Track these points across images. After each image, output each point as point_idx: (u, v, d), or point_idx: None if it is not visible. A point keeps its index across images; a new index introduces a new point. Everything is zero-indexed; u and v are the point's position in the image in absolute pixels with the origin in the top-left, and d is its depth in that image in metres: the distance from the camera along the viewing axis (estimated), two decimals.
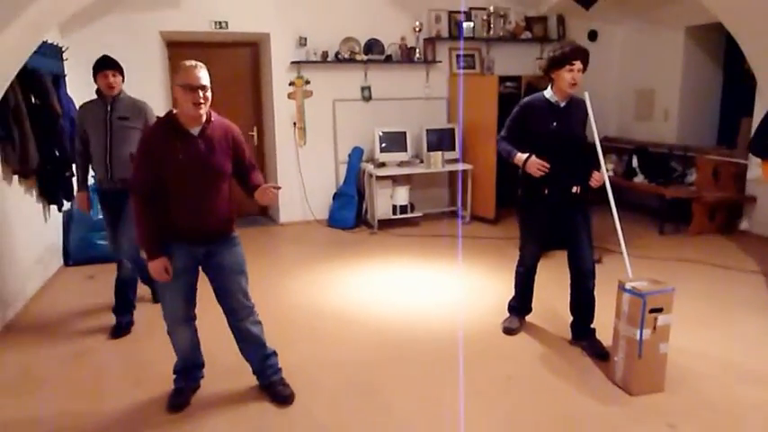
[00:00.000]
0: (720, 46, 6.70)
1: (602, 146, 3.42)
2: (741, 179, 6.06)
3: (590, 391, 3.00)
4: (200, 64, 2.58)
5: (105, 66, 3.54)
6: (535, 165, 3.25)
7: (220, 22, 6.10)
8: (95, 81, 3.57)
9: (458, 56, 6.89)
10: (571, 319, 3.52)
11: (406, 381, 3.14)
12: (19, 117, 4.05)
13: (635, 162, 6.70)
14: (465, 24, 6.75)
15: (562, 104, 3.31)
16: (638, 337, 2.84)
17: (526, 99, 3.46)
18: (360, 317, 4.01)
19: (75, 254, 5.16)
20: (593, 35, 7.44)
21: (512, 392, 3.01)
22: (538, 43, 7.12)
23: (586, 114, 3.35)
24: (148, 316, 3.85)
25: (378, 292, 4.51)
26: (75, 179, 3.95)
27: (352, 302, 4.28)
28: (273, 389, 2.91)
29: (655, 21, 7.02)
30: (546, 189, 3.35)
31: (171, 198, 2.61)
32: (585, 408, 2.86)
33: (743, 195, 6.02)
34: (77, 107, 3.92)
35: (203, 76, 2.55)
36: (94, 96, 3.64)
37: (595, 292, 3.40)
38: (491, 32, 6.87)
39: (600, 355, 3.28)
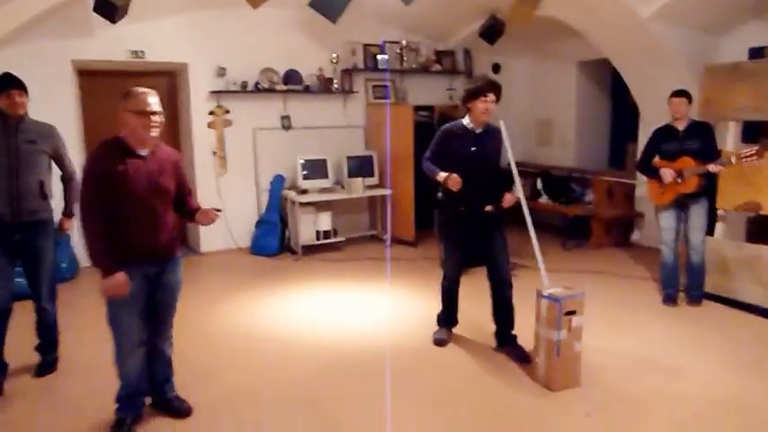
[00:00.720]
0: (608, 79, 7.47)
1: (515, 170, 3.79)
2: (631, 197, 6.74)
3: (516, 389, 3.29)
4: (150, 90, 2.70)
5: (10, 85, 3.24)
6: (454, 180, 3.54)
7: (137, 51, 6.05)
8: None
9: (374, 86, 7.23)
10: (494, 327, 3.81)
11: (345, 394, 3.28)
12: None
13: (539, 184, 7.26)
14: (379, 57, 7.10)
15: (478, 131, 3.66)
16: (555, 338, 3.16)
17: (447, 125, 3.79)
18: (293, 338, 4.11)
19: None
20: (496, 68, 8.03)
21: (446, 396, 3.23)
22: (447, 75, 7.59)
23: (500, 141, 3.71)
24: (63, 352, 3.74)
25: (308, 314, 4.61)
26: None
27: (284, 326, 4.36)
28: (171, 404, 3.04)
29: (550, 56, 7.72)
30: (462, 207, 3.66)
31: (123, 219, 2.65)
32: (513, 404, 3.14)
33: (633, 212, 6.70)
34: None
35: (155, 101, 2.68)
36: None
37: (515, 303, 3.72)
38: (404, 64, 7.27)
39: (523, 358, 3.58)
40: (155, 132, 2.67)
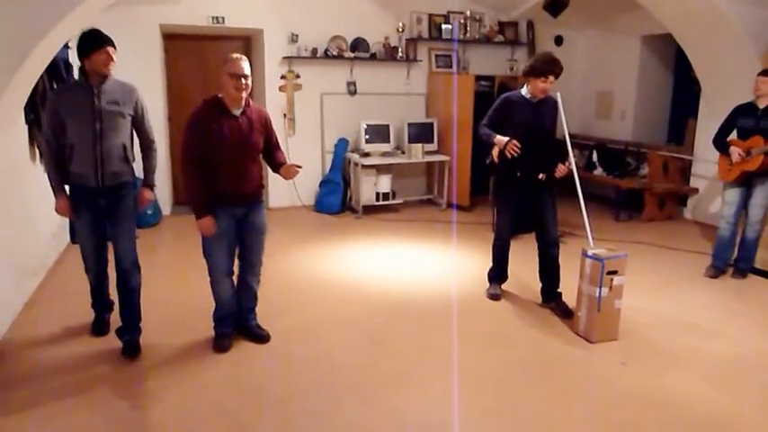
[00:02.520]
0: (671, 54, 7.44)
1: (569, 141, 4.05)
2: (686, 173, 6.81)
3: (558, 339, 3.62)
4: (243, 56, 3.11)
5: (104, 41, 3.07)
6: (512, 144, 3.81)
7: (217, 18, 6.50)
8: (86, 60, 3.08)
9: (437, 55, 7.48)
10: (540, 285, 4.13)
11: (407, 333, 3.70)
12: (45, 101, 4.39)
13: (595, 157, 7.39)
14: (444, 27, 7.32)
15: (535, 101, 3.91)
16: (597, 294, 3.45)
17: (506, 94, 4.06)
18: (358, 284, 4.55)
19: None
20: (558, 40, 8.10)
21: (494, 342, 3.60)
22: (509, 46, 7.74)
23: (555, 111, 3.96)
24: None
25: (369, 265, 5.04)
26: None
27: (348, 274, 4.81)
28: (253, 331, 3.52)
29: (614, 29, 7.74)
30: (518, 172, 3.94)
31: (215, 167, 3.12)
32: (555, 352, 3.47)
33: (688, 187, 6.78)
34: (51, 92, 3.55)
35: (246, 66, 3.09)
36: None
37: (561, 265, 4.02)
38: (467, 35, 7.46)
39: (566, 313, 3.90)
40: (243, 94, 3.10)
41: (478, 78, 7.23)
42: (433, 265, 5.08)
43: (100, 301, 3.60)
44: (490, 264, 4.34)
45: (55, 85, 4.70)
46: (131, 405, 2.83)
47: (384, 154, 6.97)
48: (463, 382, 3.09)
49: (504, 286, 4.38)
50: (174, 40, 6.81)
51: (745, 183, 4.65)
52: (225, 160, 3.12)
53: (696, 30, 5.95)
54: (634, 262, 4.41)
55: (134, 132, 3.34)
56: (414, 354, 3.43)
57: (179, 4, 6.29)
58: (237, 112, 3.14)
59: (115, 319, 3.51)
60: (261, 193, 3.37)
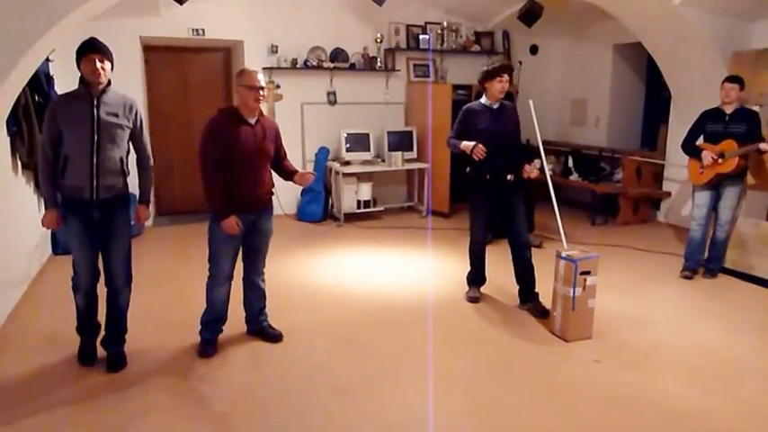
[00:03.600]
0: (642, 62, 7.67)
1: (544, 148, 4.24)
2: (659, 177, 7.01)
3: (534, 338, 3.74)
4: (257, 70, 3.29)
5: (91, 49, 3.00)
6: (478, 148, 3.98)
7: (197, 30, 6.57)
8: (80, 68, 3.03)
9: (415, 65, 7.62)
10: (518, 287, 4.25)
11: (387, 336, 3.78)
12: (28, 113, 4.43)
13: (570, 162, 7.57)
14: (422, 37, 7.47)
15: (495, 107, 4.13)
16: (571, 294, 3.58)
17: (467, 105, 4.29)
18: (340, 290, 4.63)
19: (64, 243, 5.51)
20: (534, 49, 8.30)
21: (471, 342, 3.70)
22: (486, 55, 7.89)
23: (516, 116, 4.24)
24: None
25: (352, 271, 5.13)
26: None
27: (331, 279, 4.88)
28: (266, 331, 3.68)
29: (587, 38, 7.95)
30: (487, 175, 4.11)
31: (231, 172, 3.25)
32: (531, 350, 3.58)
33: (660, 191, 6.97)
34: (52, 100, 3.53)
35: (261, 79, 3.25)
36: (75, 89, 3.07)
37: (538, 269, 4.16)
38: (444, 45, 7.62)
39: (542, 313, 4.04)
40: (261, 104, 3.28)
41: (456, 87, 7.39)
42: (412, 270, 5.18)
43: (88, 325, 3.35)
44: (468, 268, 4.45)
45: (37, 98, 4.76)
46: (116, 415, 2.87)
47: (364, 162, 7.07)
48: (441, 381, 3.18)
49: (482, 289, 4.49)
50: (155, 52, 6.86)
51: (715, 186, 4.82)
52: (241, 166, 3.27)
53: (665, 38, 6.16)
54: (609, 264, 4.59)
55: (130, 146, 3.26)
56: (393, 356, 3.51)
57: (159, 16, 6.34)
58: (252, 121, 3.30)
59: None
60: (271, 200, 3.51)
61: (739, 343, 3.72)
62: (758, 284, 4.80)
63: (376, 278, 4.94)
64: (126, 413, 2.86)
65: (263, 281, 3.66)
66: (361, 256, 5.62)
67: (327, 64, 7.07)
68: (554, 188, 4.28)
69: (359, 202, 7.00)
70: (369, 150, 7.11)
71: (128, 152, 3.24)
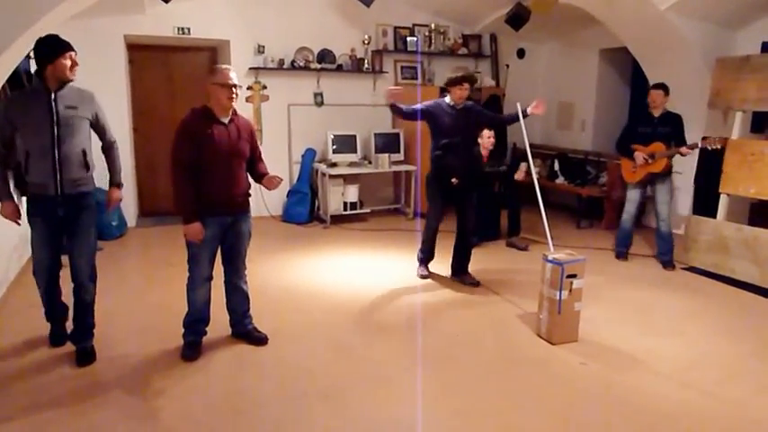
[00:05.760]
0: (628, 67, 7.73)
1: (530, 151, 4.46)
2: None
3: (520, 341, 3.74)
4: (230, 67, 3.22)
5: (68, 46, 3.04)
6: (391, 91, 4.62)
7: (183, 29, 6.50)
8: (49, 66, 3.00)
9: (402, 67, 7.61)
10: (452, 264, 4.87)
11: (374, 338, 3.76)
12: None
13: (556, 166, 7.61)
14: (409, 39, 7.46)
15: (459, 107, 4.60)
16: (557, 297, 3.58)
17: (435, 100, 4.75)
18: (326, 292, 4.59)
19: None
20: (521, 53, 8.33)
21: (459, 345, 3.68)
22: (473, 58, 7.92)
23: (476, 117, 4.73)
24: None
25: (338, 273, 5.09)
26: None
27: (317, 282, 4.85)
28: (251, 334, 3.64)
29: (574, 43, 8.00)
30: (449, 171, 4.62)
31: (206, 173, 3.18)
32: (517, 353, 3.58)
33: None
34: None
35: (234, 76, 3.19)
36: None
37: (525, 272, 4.20)
38: (432, 47, 7.62)
39: (474, 284, 4.67)
40: (234, 103, 3.21)
41: (443, 90, 7.35)
42: (399, 272, 5.15)
43: (53, 311, 3.49)
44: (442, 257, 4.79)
45: None
46: (96, 417, 2.81)
47: (351, 164, 7.04)
48: (429, 384, 3.16)
49: (469, 292, 4.51)
50: (140, 51, 6.77)
51: (645, 184, 5.35)
52: (215, 166, 3.20)
53: (649, 44, 6.22)
54: (594, 267, 4.61)
55: (92, 138, 3.29)
56: (381, 359, 3.48)
57: (144, 14, 6.27)
58: (226, 120, 3.23)
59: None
60: (248, 202, 3.45)
61: (724, 345, 3.75)
62: (739, 287, 4.85)
63: (362, 280, 4.91)
64: (99, 422, 2.80)
65: (246, 283, 3.60)
66: (348, 258, 5.58)
67: (314, 65, 7.03)
68: (540, 191, 4.30)
69: (345, 203, 6.96)
70: (356, 152, 7.08)
71: (91, 144, 3.26)
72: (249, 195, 3.44)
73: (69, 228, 3.19)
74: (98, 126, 3.29)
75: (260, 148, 3.50)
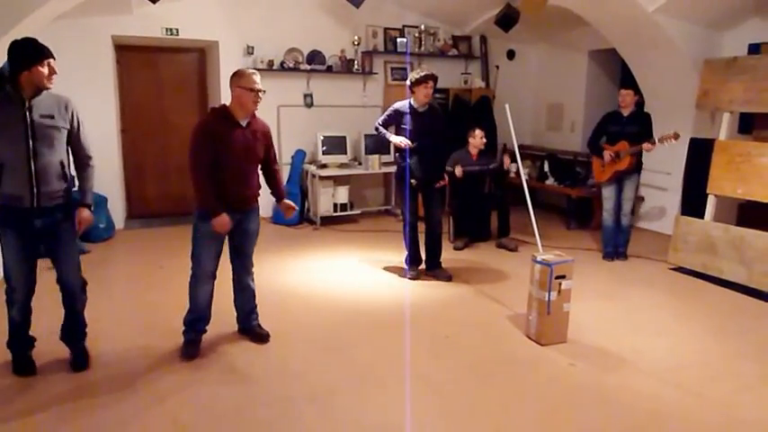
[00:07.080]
0: (617, 68, 7.76)
1: (520, 152, 4.40)
2: None
3: (509, 342, 3.73)
4: (256, 71, 3.27)
5: (48, 53, 2.85)
6: (405, 144, 4.66)
7: (171, 29, 6.46)
8: (24, 73, 2.81)
9: (392, 68, 7.60)
10: (425, 257, 4.96)
11: (363, 340, 3.75)
12: None
13: (546, 167, 7.62)
14: (399, 40, 7.46)
15: (421, 110, 4.66)
16: (546, 298, 3.58)
17: (396, 104, 4.82)
18: (315, 294, 4.57)
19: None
20: (510, 54, 8.35)
21: (447, 346, 3.68)
22: (463, 59, 7.93)
23: (440, 120, 4.80)
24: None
25: (328, 275, 5.08)
26: None
27: (307, 283, 4.83)
28: (254, 331, 3.68)
29: (563, 44, 8.03)
30: (412, 179, 4.73)
31: (221, 173, 3.22)
32: (506, 354, 3.57)
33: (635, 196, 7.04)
34: None
35: (259, 81, 3.23)
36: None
37: (514, 273, 4.21)
38: (422, 48, 7.62)
39: (447, 277, 4.78)
40: (257, 107, 3.28)
41: (433, 91, 7.36)
42: (388, 273, 5.15)
43: (21, 340, 3.18)
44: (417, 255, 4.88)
45: None
46: (85, 421, 2.78)
47: (341, 165, 7.02)
48: (418, 385, 3.15)
49: (458, 292, 4.50)
50: (127, 52, 6.73)
51: (617, 181, 5.49)
52: (230, 166, 3.25)
53: (638, 46, 6.25)
54: (582, 268, 4.61)
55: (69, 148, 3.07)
56: (370, 360, 3.47)
57: (132, 15, 6.22)
58: (244, 123, 3.27)
59: (53, 329, 3.34)
60: (257, 200, 3.50)
61: (712, 345, 3.77)
62: (727, 288, 4.87)
63: (352, 282, 4.89)
64: (92, 416, 2.77)
65: (253, 280, 3.65)
66: (338, 259, 5.56)
67: (304, 66, 7.01)
68: (530, 192, 4.30)
69: (335, 205, 6.94)
70: (346, 153, 7.06)
71: (69, 155, 3.07)
72: (259, 194, 3.49)
73: (50, 239, 3.01)
74: (74, 138, 3.03)
75: (274, 149, 3.59)
